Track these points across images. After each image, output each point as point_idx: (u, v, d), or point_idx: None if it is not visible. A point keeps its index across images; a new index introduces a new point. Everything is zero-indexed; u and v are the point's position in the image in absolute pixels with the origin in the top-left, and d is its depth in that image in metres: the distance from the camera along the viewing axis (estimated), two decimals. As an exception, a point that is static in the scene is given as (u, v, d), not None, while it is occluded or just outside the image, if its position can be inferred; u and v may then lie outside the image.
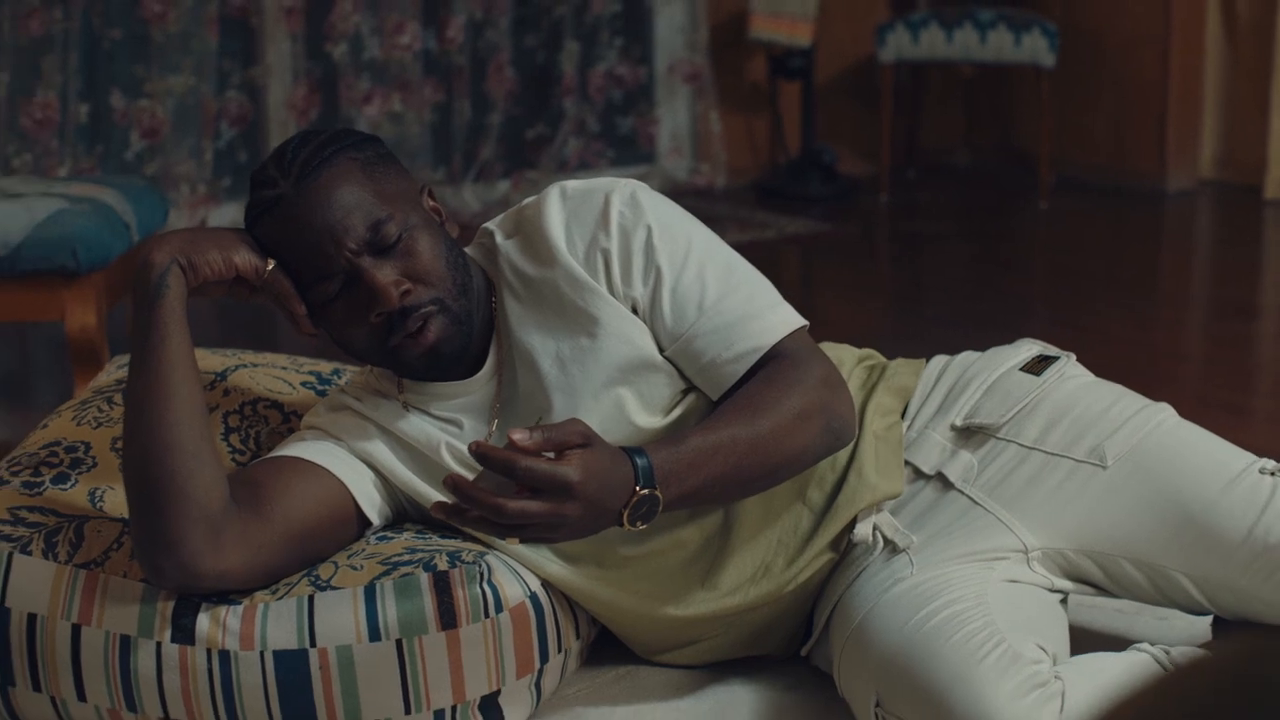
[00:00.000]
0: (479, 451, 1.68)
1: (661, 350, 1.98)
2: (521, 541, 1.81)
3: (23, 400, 3.79)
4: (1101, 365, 2.27)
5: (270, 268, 1.92)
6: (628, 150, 6.11)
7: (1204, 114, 6.01)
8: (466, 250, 2.06)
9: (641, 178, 5.92)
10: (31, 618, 1.92)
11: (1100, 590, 2.04)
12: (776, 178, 6.15)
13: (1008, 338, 2.24)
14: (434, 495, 1.97)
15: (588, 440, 1.74)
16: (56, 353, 3.83)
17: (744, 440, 1.86)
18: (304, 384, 2.30)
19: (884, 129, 6.02)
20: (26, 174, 4.86)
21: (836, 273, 5.14)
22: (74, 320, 3.21)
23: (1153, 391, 2.17)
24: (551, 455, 1.72)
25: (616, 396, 1.97)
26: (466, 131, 5.74)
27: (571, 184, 2.04)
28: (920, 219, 5.93)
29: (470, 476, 1.75)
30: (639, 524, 1.79)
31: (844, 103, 6.32)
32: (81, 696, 1.92)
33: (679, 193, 6.02)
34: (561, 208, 2.00)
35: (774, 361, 1.95)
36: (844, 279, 5.02)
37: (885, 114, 5.99)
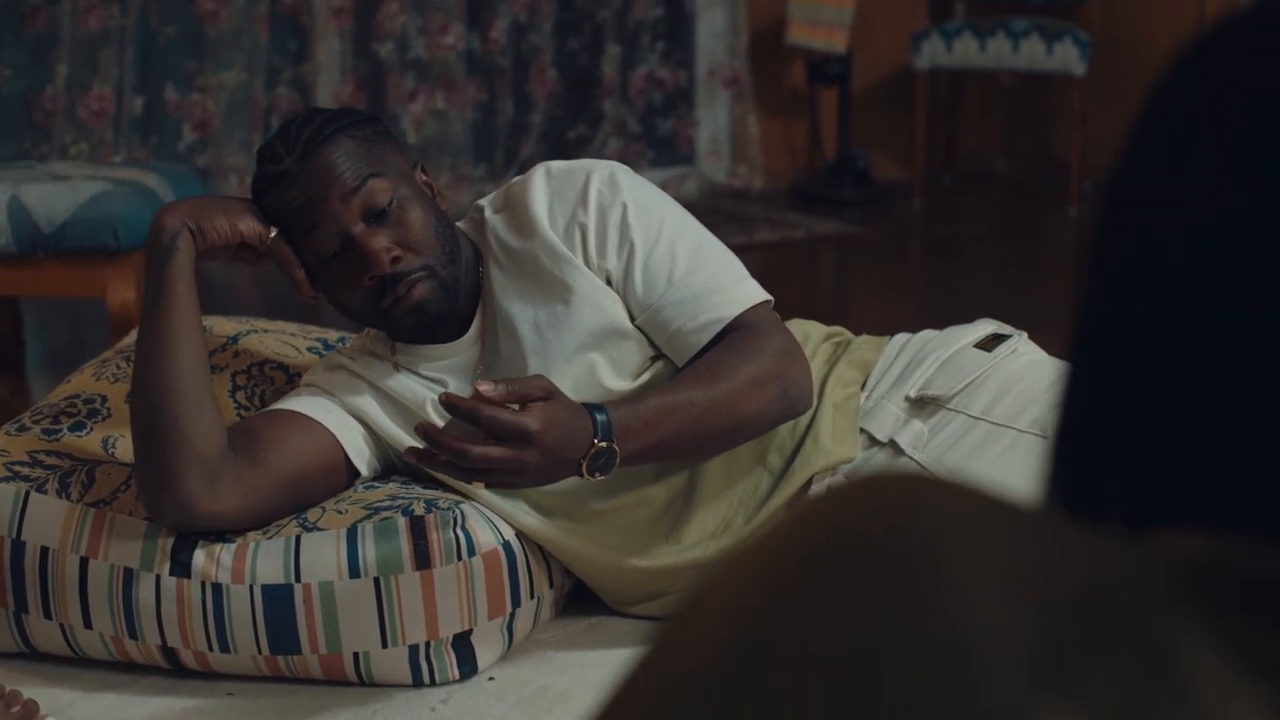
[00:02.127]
0: (447, 401, 1.84)
1: (633, 319, 2.13)
2: (486, 486, 1.97)
3: (69, 371, 3.97)
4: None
5: (273, 235, 2.08)
6: (667, 152, 6.25)
7: (1235, 126, 6.09)
8: (459, 224, 2.22)
9: (680, 179, 6.12)
10: (44, 550, 2.09)
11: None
12: (812, 181, 6.28)
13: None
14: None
15: (549, 394, 1.89)
16: (102, 328, 4.01)
17: (700, 402, 2.00)
18: (310, 349, 2.47)
19: (917, 135, 6.14)
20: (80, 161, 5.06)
21: (866, 273, 5.27)
22: (114, 296, 3.38)
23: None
24: (516, 407, 1.88)
25: (588, 361, 2.12)
26: (508, 130, 5.90)
27: (556, 164, 2.20)
28: (951, 223, 6.04)
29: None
30: (597, 474, 1.94)
31: (881, 109, 6.44)
32: (88, 624, 2.08)
33: (716, 194, 6.16)
34: (546, 186, 2.16)
35: (736, 332, 2.09)
36: (871, 279, 5.15)
37: (919, 120, 6.11)
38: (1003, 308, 4.53)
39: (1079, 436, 0.62)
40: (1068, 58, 5.77)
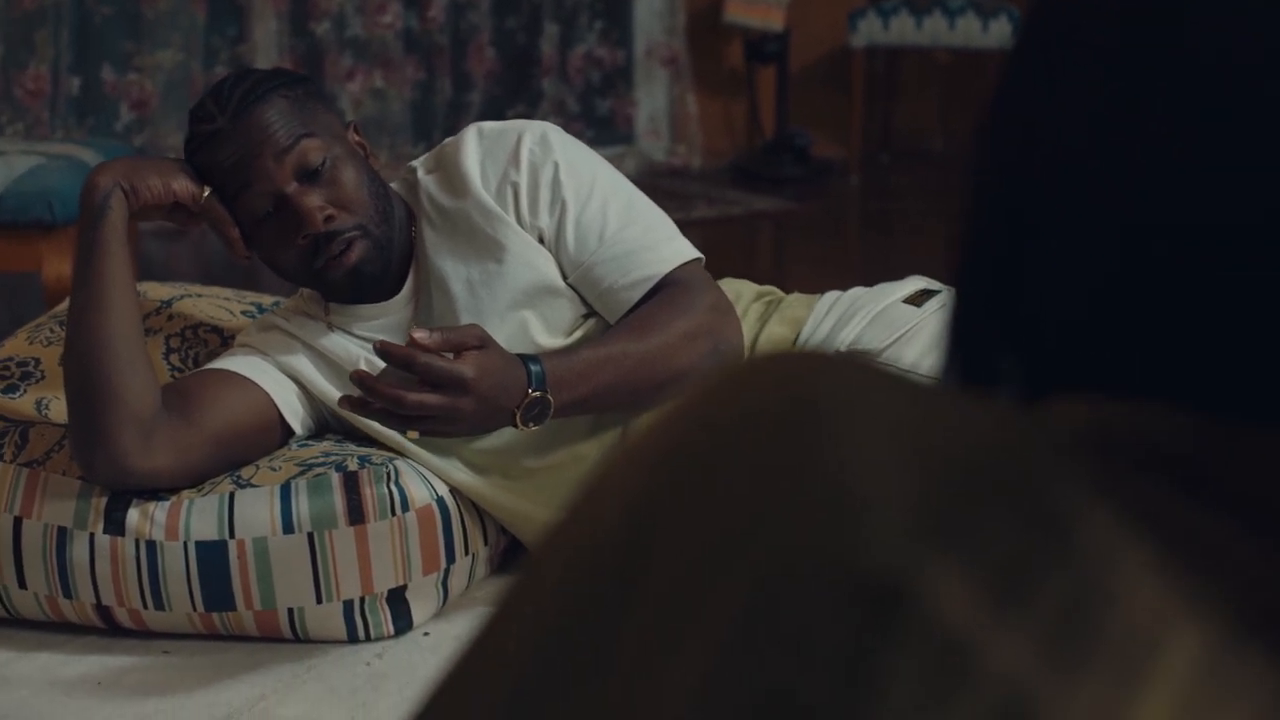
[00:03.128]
0: (382, 348, 1.86)
1: (565, 277, 2.14)
2: (421, 434, 1.98)
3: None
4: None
5: (206, 194, 2.09)
6: (606, 131, 6.26)
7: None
8: (392, 185, 2.23)
9: (619, 158, 6.12)
10: (-23, 511, 2.09)
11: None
12: (751, 160, 6.31)
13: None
14: (352, 406, 2.14)
15: (483, 342, 1.92)
16: (37, 302, 3.99)
17: (633, 355, 2.03)
18: (244, 312, 2.47)
19: (854, 113, 6.17)
20: (15, 138, 5.03)
21: (803, 249, 5.30)
22: (50, 270, 3.37)
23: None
24: (451, 355, 1.90)
25: (521, 318, 2.13)
26: (447, 109, 5.90)
27: (488, 124, 2.21)
28: (889, 200, 6.08)
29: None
30: (531, 424, 1.96)
31: (819, 87, 6.47)
32: (22, 584, 2.08)
33: (655, 173, 6.18)
34: (478, 146, 2.17)
35: (668, 288, 2.11)
36: (809, 254, 5.19)
37: (856, 98, 6.15)
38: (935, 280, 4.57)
39: (971, 316, 0.64)
40: (1003, 35, 5.81)
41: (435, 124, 5.89)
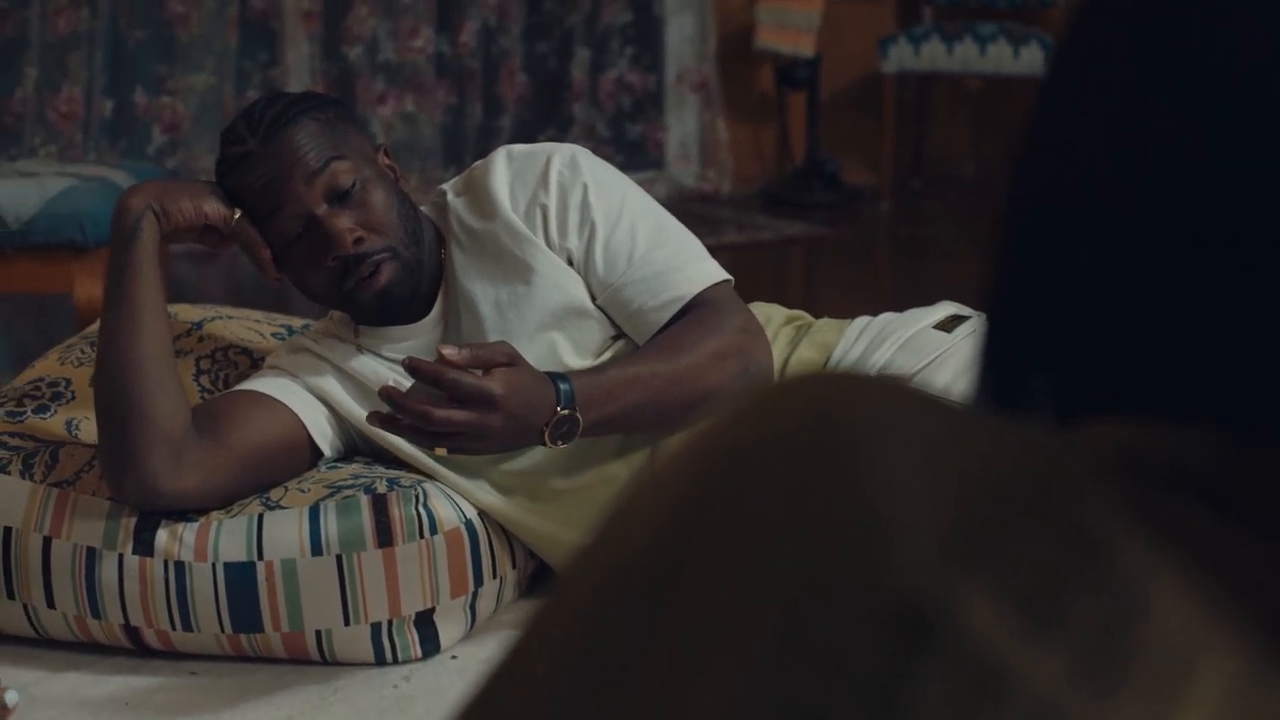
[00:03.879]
0: (411, 364, 1.86)
1: (594, 299, 2.15)
2: (449, 452, 1.97)
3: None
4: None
5: (237, 217, 2.10)
6: (636, 156, 6.26)
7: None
8: (421, 208, 2.23)
9: (649, 183, 6.12)
10: (7, 531, 2.10)
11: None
12: (781, 185, 6.30)
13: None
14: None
15: (512, 359, 1.92)
16: (69, 323, 4.01)
17: (662, 374, 2.03)
18: (274, 335, 2.48)
19: (886, 138, 6.17)
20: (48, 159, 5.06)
21: (834, 274, 5.29)
22: (82, 292, 3.39)
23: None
24: (479, 373, 1.90)
25: (550, 340, 2.13)
26: (478, 134, 5.92)
27: (517, 147, 2.22)
28: (919, 225, 6.07)
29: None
30: (559, 442, 1.96)
31: (850, 113, 6.47)
32: (50, 604, 2.09)
33: (686, 198, 6.18)
34: (507, 168, 2.18)
35: (697, 309, 2.11)
36: (840, 279, 5.18)
37: (887, 124, 6.14)
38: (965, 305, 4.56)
39: (1002, 339, 0.63)
40: (1034, 61, 5.81)
41: (466, 148, 5.90)
